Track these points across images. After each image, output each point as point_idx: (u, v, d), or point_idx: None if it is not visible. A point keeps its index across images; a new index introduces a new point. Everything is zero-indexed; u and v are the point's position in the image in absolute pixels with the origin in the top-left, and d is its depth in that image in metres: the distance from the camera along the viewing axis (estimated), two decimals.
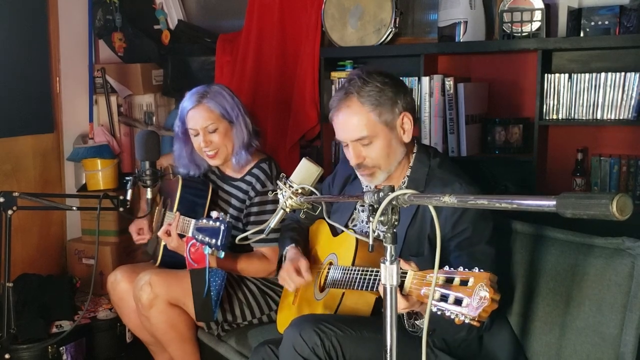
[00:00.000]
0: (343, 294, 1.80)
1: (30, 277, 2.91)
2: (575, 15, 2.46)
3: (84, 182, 3.51)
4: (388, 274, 1.19)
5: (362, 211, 1.97)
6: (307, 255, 2.08)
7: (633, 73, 2.35)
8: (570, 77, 2.45)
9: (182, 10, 3.70)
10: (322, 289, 1.96)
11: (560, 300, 1.79)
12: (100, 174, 3.38)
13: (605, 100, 2.40)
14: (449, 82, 2.63)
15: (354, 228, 1.96)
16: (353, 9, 2.90)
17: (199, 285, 2.05)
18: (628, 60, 2.45)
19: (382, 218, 1.18)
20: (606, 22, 2.40)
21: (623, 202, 0.80)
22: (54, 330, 2.76)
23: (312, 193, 1.74)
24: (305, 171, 1.77)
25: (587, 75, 2.43)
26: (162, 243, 2.31)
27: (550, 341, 1.79)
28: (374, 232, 1.25)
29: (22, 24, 3.22)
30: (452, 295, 1.24)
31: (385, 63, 2.95)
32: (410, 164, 1.85)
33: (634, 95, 2.35)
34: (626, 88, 2.36)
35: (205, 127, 2.28)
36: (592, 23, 2.42)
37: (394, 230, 1.20)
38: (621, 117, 2.39)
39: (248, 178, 2.37)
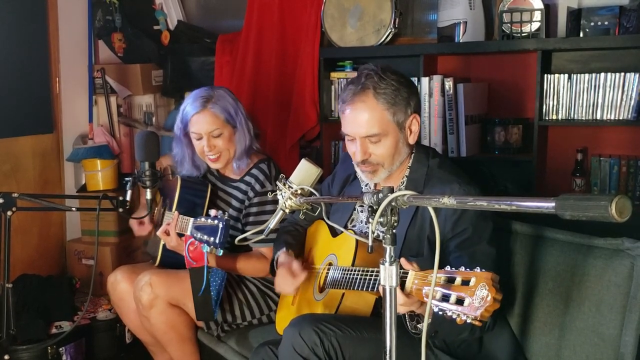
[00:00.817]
0: (343, 294, 1.80)
1: (30, 277, 2.91)
2: (575, 15, 2.46)
3: (83, 182, 3.51)
4: (387, 275, 1.19)
5: (362, 212, 1.96)
6: (304, 257, 2.08)
7: (633, 73, 2.35)
8: (569, 77, 2.46)
9: (181, 10, 3.70)
10: (321, 290, 1.95)
11: (560, 301, 1.79)
12: (99, 175, 3.38)
13: (604, 101, 2.40)
14: (449, 83, 2.63)
15: (354, 229, 1.95)
16: (353, 9, 2.90)
17: (198, 283, 2.05)
18: (628, 60, 2.45)
19: (381, 219, 1.18)
20: (606, 23, 2.40)
21: (622, 204, 0.80)
22: (54, 330, 2.75)
23: (311, 194, 1.74)
24: (305, 172, 1.77)
25: (586, 75, 2.43)
26: (162, 243, 2.31)
27: (550, 342, 1.79)
28: (373, 233, 1.24)
29: (22, 24, 3.22)
30: (454, 295, 1.24)
31: (385, 63, 2.94)
32: (409, 164, 1.84)
33: (633, 95, 2.35)
34: (626, 88, 2.37)
35: (210, 132, 2.27)
36: (592, 23, 2.42)
37: (394, 231, 1.19)
38: (621, 118, 2.39)
39: (247, 179, 2.37)
